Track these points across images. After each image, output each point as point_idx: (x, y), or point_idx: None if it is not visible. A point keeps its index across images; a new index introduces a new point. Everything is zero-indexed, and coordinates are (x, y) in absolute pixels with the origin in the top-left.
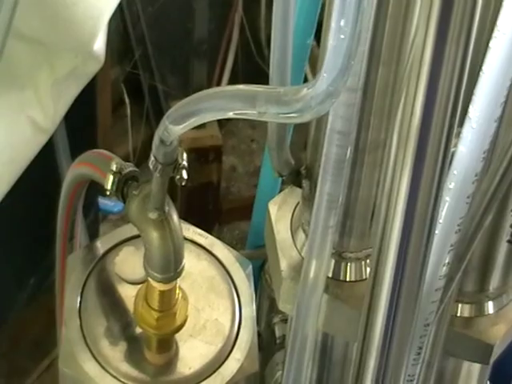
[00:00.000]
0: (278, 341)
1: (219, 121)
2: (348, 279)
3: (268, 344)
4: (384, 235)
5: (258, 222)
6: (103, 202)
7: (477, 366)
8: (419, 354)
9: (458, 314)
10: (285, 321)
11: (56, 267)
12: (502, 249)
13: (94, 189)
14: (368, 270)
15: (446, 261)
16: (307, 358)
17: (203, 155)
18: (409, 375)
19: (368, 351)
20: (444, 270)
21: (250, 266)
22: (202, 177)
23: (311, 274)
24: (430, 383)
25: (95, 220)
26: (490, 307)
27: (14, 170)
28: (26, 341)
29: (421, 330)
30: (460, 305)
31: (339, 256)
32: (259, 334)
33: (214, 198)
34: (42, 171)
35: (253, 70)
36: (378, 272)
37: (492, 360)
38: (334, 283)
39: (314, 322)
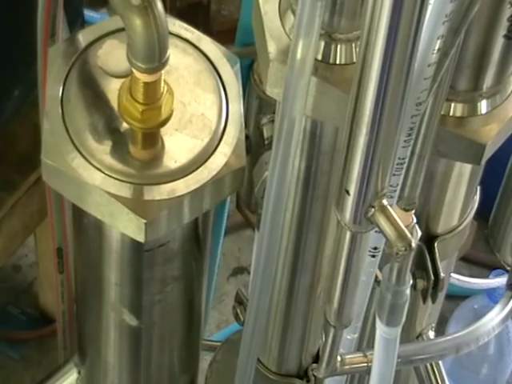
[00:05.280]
0: (266, 141)
1: None
2: (338, 62)
3: (257, 146)
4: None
5: (247, 15)
6: (89, 14)
7: (468, 168)
8: (410, 135)
9: (451, 114)
10: (273, 121)
11: (38, 64)
12: (498, 44)
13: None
14: None
15: (441, 33)
16: (294, 143)
17: None
18: (399, 158)
19: (357, 127)
20: (438, 43)
21: (238, 64)
22: None
23: (298, 55)
24: (420, 177)
25: None
26: (483, 106)
27: None
28: (13, 155)
29: (412, 110)
30: (453, 104)
31: (329, 37)
32: (248, 137)
33: (204, 20)
34: None
35: None
36: (370, 40)
37: (484, 161)
38: (324, 66)
39: (301, 104)
